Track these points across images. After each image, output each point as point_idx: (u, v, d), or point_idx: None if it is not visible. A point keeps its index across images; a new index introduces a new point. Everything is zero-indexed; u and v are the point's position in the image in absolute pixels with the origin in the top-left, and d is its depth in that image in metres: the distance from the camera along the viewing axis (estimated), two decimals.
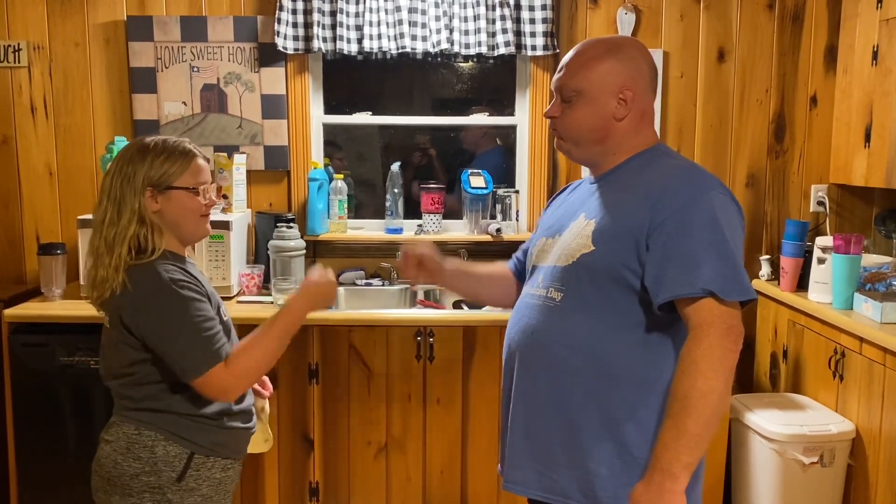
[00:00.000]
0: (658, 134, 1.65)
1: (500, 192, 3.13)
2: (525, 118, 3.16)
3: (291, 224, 2.90)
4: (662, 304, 1.41)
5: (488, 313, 2.76)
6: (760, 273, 3.15)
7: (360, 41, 2.97)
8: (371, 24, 2.96)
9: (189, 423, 1.63)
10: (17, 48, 3.04)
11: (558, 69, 1.58)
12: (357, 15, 2.97)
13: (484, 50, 2.99)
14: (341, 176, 3.10)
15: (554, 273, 1.54)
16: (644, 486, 1.39)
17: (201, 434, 1.65)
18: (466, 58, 3.18)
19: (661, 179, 1.47)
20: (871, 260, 2.73)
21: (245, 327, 2.55)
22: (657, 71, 1.59)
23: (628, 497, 1.42)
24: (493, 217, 3.14)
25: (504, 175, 3.27)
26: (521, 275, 1.80)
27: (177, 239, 1.71)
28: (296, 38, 2.98)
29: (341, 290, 3.07)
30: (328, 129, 3.25)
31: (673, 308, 1.42)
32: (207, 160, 1.74)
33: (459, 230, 3.19)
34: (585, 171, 3.05)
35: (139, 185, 1.62)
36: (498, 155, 3.31)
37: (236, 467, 1.75)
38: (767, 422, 2.59)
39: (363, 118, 3.24)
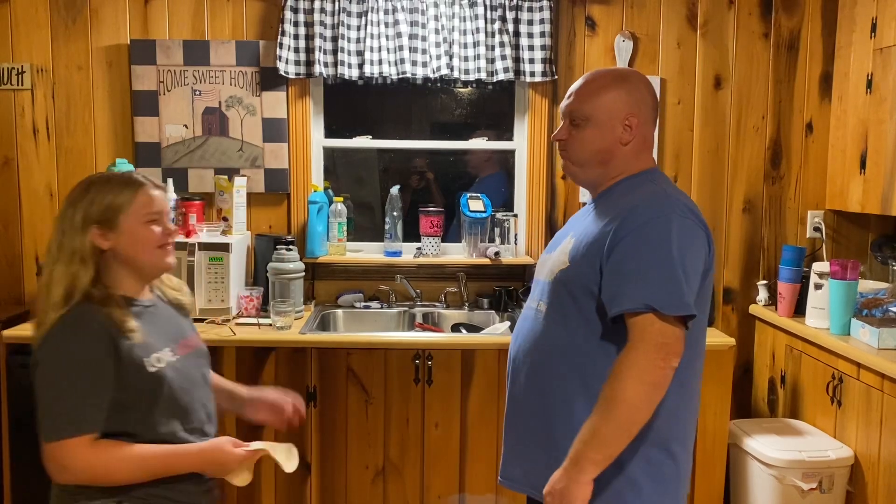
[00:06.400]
0: (656, 160, 1.72)
1: (499, 215, 3.15)
2: (524, 143, 3.19)
3: (291, 246, 2.91)
4: (615, 317, 1.49)
5: (486, 336, 2.77)
6: (758, 298, 3.16)
7: (360, 66, 3.01)
8: (372, 49, 3.00)
9: None
10: (20, 70, 3.06)
11: (566, 96, 1.68)
12: (358, 41, 3.00)
13: (483, 76, 3.03)
14: (341, 199, 3.12)
15: (543, 287, 1.65)
16: (558, 472, 1.50)
17: (130, 486, 1.51)
18: (466, 83, 3.21)
19: (632, 202, 1.55)
20: (867, 286, 2.75)
21: (244, 349, 2.59)
22: (658, 102, 1.70)
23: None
24: (491, 241, 3.16)
25: (506, 199, 3.29)
26: None
27: (136, 276, 1.61)
28: (297, 63, 3.01)
29: (340, 312, 3.08)
30: (328, 152, 3.27)
31: None
32: (162, 189, 1.65)
33: (458, 253, 3.20)
34: (583, 196, 3.11)
35: (79, 225, 1.54)
36: (501, 179, 3.33)
37: None
38: (766, 447, 2.58)
39: (363, 142, 3.26)
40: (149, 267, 1.62)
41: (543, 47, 3.01)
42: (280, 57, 2.98)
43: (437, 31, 3.01)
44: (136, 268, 1.60)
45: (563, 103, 1.68)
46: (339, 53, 2.98)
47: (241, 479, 1.66)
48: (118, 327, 1.52)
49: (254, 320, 2.78)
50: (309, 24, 2.99)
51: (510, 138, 3.25)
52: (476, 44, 3.01)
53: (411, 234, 3.21)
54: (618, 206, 1.57)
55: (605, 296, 1.50)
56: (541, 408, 1.60)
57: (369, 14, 2.98)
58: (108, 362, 1.49)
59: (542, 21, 3.00)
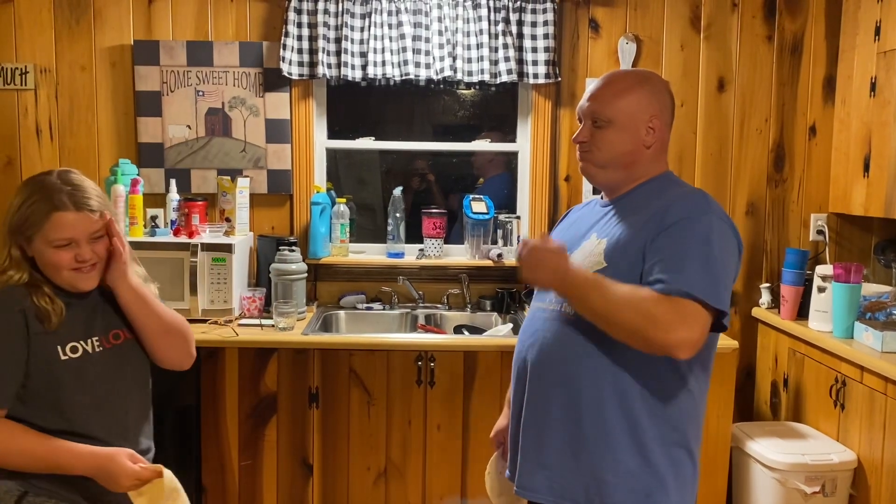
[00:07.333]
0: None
1: (502, 217, 3.15)
2: (526, 145, 3.19)
3: (293, 247, 2.91)
4: None
5: (489, 338, 2.77)
6: (760, 301, 3.15)
7: (364, 68, 3.01)
8: (375, 51, 2.99)
9: None
10: (23, 71, 3.06)
11: (588, 97, 1.65)
12: (362, 42, 3.01)
13: (486, 77, 3.02)
14: (344, 200, 3.12)
15: None
16: (555, 259, 1.49)
17: (37, 474, 1.55)
18: (469, 85, 3.21)
19: (669, 201, 1.55)
20: (870, 289, 2.74)
21: (247, 350, 2.59)
22: (674, 105, 1.70)
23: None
24: (494, 242, 3.15)
25: (510, 201, 3.29)
26: None
27: None
28: (301, 64, 3.02)
29: (342, 313, 3.08)
30: (330, 153, 3.27)
31: None
32: (86, 211, 1.58)
33: (460, 255, 3.20)
34: (586, 198, 3.10)
35: (5, 232, 1.58)
36: (506, 181, 3.33)
37: None
38: (769, 450, 2.58)
39: (366, 143, 3.26)
40: (63, 285, 1.61)
41: (547, 49, 3.01)
42: (283, 58, 2.98)
43: (440, 33, 3.01)
44: (54, 282, 1.61)
45: (584, 105, 1.65)
46: (343, 55, 2.98)
47: (142, 500, 1.59)
48: (37, 313, 1.56)
49: (256, 321, 2.78)
50: (312, 26, 2.99)
51: (513, 140, 3.25)
52: (479, 45, 3.01)
53: (414, 236, 3.21)
54: (650, 206, 1.56)
55: (643, 282, 1.47)
56: (569, 412, 1.55)
57: (373, 15, 2.98)
58: (20, 343, 1.54)
59: (545, 23, 3.00)
